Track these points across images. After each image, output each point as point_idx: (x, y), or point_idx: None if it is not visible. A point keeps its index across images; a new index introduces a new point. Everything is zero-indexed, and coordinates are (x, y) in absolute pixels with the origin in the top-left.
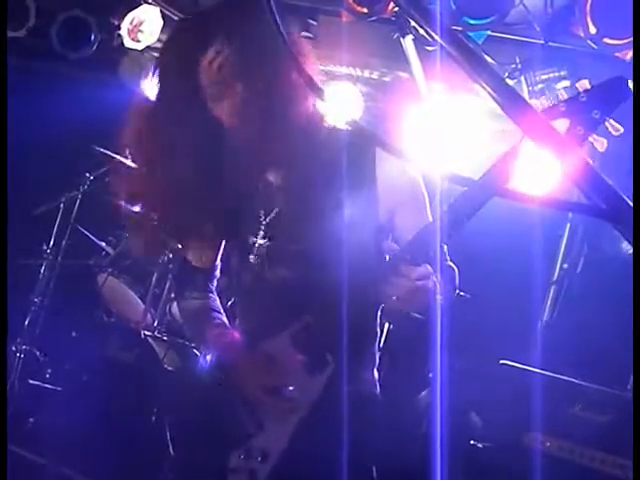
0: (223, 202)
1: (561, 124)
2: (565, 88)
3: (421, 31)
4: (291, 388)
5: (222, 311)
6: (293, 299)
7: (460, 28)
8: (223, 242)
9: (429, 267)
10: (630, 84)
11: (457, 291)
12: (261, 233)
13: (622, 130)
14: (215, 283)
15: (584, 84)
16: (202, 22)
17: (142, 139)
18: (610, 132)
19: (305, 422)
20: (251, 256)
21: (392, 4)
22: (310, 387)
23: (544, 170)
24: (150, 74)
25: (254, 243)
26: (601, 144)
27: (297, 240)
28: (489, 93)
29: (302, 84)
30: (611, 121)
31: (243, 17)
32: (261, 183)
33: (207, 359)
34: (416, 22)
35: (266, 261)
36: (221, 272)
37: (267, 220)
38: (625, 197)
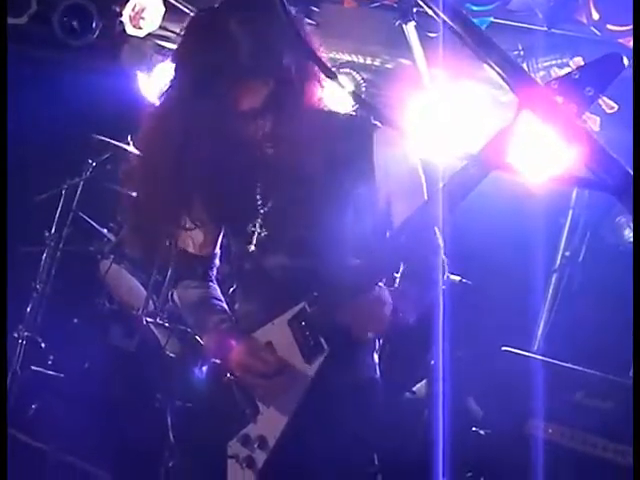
0: (223, 186)
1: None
2: None
3: (429, 11)
4: (285, 373)
5: (222, 299)
6: (291, 285)
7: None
8: (222, 231)
9: (383, 288)
10: (625, 59)
11: (457, 277)
12: (259, 221)
13: (616, 107)
14: (215, 271)
15: (578, 61)
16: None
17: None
18: (604, 109)
19: (302, 408)
20: (250, 245)
21: None
22: (305, 372)
23: (550, 147)
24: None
25: (252, 232)
26: (594, 122)
27: (294, 228)
28: (497, 72)
29: (314, 70)
30: (605, 98)
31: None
32: (261, 170)
33: (203, 370)
34: (423, 1)
35: (264, 248)
36: (221, 260)
37: (265, 209)
38: (631, 172)
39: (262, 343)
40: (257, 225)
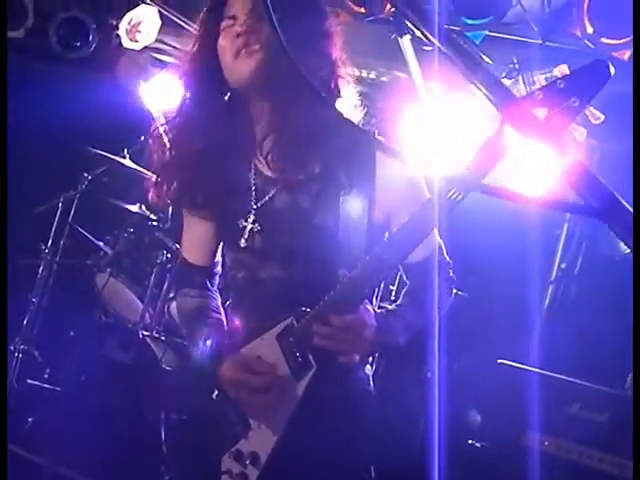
0: (222, 176)
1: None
2: None
3: (417, 32)
4: (275, 389)
5: (221, 310)
6: (281, 297)
7: (458, 28)
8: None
9: (367, 310)
10: (611, 67)
11: (454, 290)
12: (251, 217)
13: (602, 118)
14: (217, 280)
15: (563, 69)
16: None
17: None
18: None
19: (293, 424)
20: (239, 242)
21: (390, 4)
22: (293, 389)
23: (538, 170)
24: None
25: (244, 227)
26: (581, 134)
27: (285, 233)
28: (484, 93)
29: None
30: (591, 109)
31: None
32: (256, 165)
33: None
34: (412, 23)
35: (256, 255)
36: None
37: (258, 205)
38: (619, 196)
39: (251, 359)
40: (249, 220)
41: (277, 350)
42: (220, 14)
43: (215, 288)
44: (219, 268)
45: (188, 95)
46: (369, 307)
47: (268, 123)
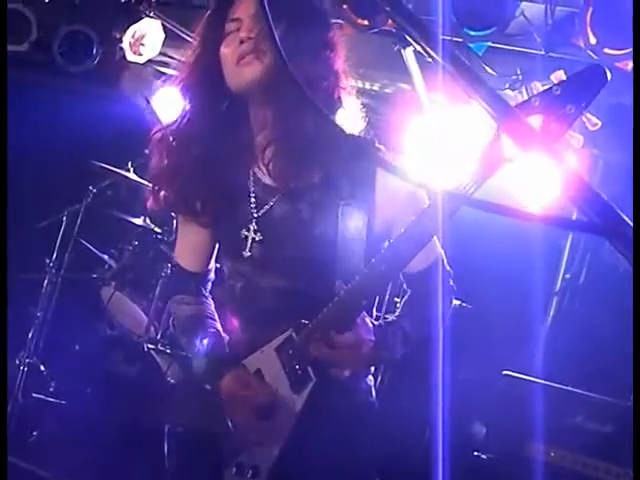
0: (220, 183)
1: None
2: None
3: (418, 47)
4: (274, 403)
5: (216, 317)
6: (280, 308)
7: (461, 39)
8: (216, 245)
9: (366, 324)
10: (607, 72)
11: (457, 302)
12: (252, 226)
13: (600, 124)
14: (209, 286)
15: (559, 75)
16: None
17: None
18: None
19: (294, 437)
20: (243, 252)
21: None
22: (293, 402)
23: (539, 186)
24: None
25: (245, 237)
26: (577, 141)
27: (285, 243)
28: (485, 109)
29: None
30: (588, 115)
31: None
32: (256, 173)
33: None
34: (412, 38)
35: (256, 265)
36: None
37: (259, 214)
38: (619, 211)
39: (251, 371)
40: (251, 230)
41: (277, 363)
42: (224, 15)
43: (208, 293)
44: (212, 275)
45: (188, 99)
46: (367, 320)
47: (269, 131)
